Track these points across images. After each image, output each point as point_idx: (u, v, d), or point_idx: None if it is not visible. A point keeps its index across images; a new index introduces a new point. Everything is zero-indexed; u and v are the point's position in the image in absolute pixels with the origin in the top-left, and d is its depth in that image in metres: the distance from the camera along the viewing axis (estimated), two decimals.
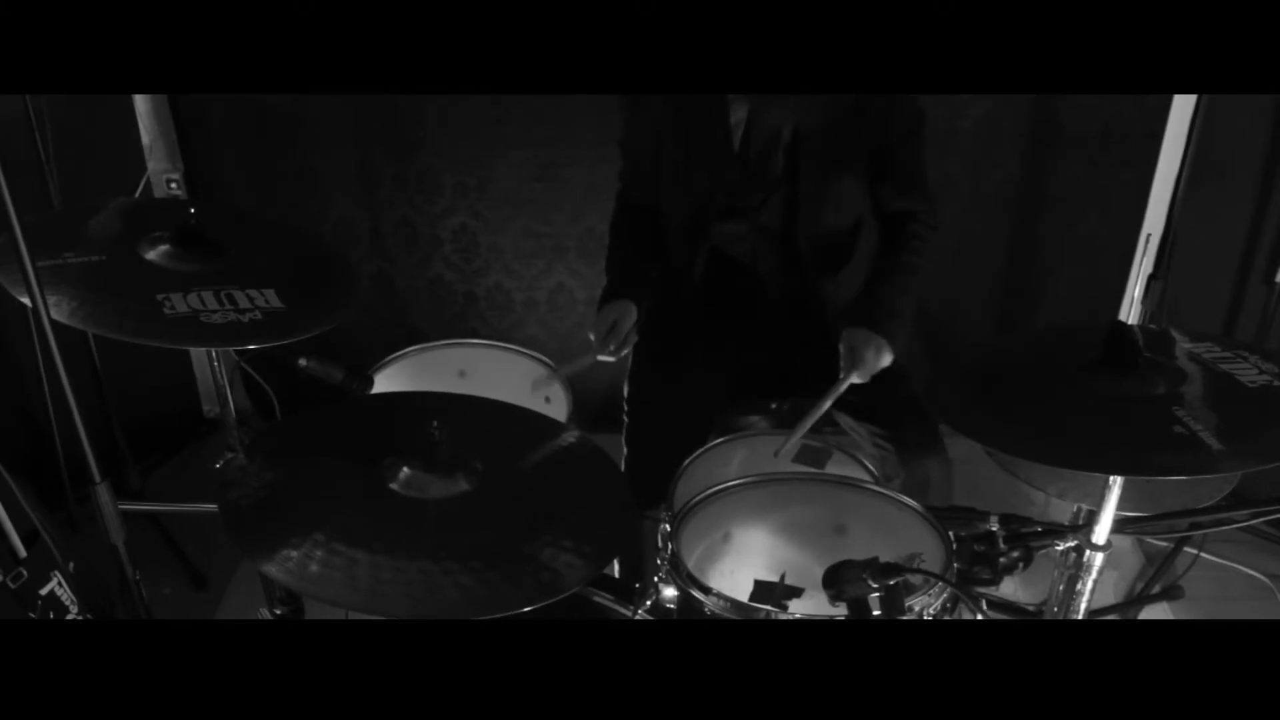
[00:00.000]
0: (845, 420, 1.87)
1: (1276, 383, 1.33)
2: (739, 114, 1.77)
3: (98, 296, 1.38)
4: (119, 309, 1.38)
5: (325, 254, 1.74)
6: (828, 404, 1.69)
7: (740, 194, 1.82)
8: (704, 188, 1.83)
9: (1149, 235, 2.56)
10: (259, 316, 1.42)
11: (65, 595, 1.57)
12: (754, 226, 1.84)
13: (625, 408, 2.04)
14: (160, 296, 1.40)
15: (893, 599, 1.20)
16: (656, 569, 1.44)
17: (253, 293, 1.45)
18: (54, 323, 1.27)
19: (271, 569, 1.15)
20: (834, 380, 1.70)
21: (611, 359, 1.86)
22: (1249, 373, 1.35)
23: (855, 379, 1.71)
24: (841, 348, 1.74)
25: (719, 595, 1.34)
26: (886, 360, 1.74)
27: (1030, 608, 1.92)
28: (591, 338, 1.85)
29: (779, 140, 1.76)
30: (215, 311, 1.40)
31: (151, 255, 1.48)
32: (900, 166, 1.82)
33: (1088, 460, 1.29)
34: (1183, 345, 1.45)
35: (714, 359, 1.94)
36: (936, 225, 1.86)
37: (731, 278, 1.90)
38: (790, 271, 1.88)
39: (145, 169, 2.65)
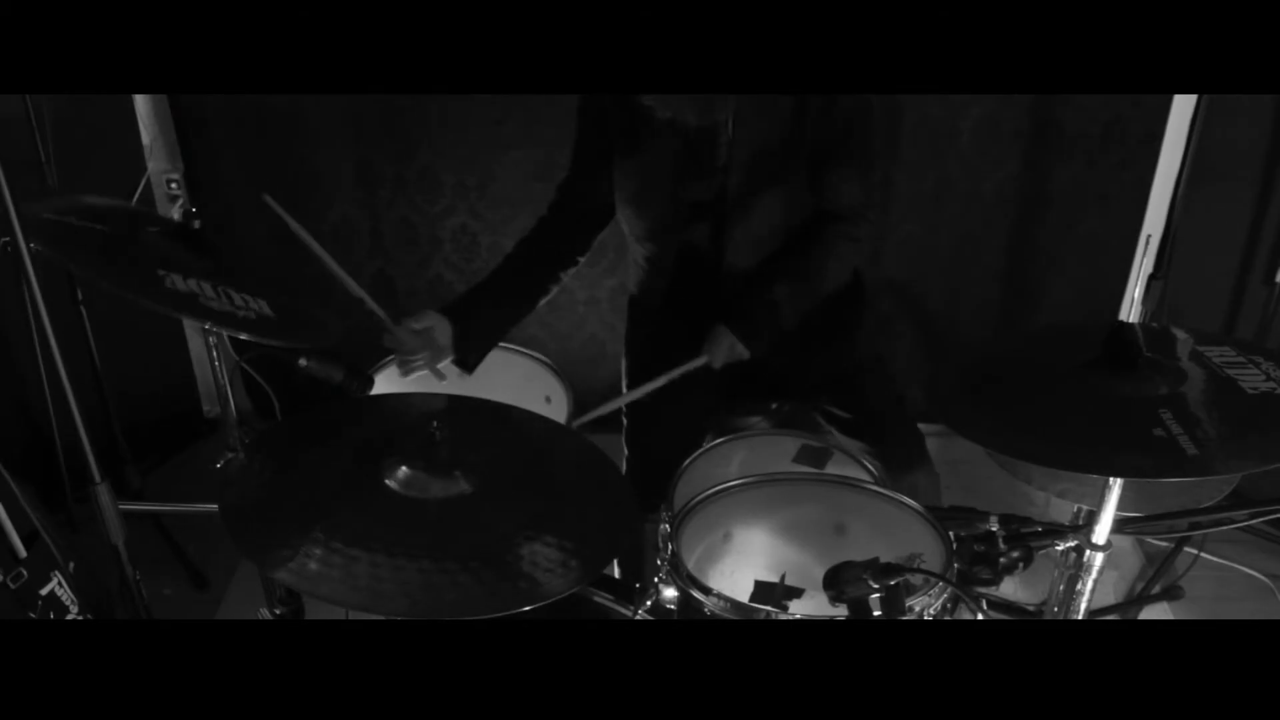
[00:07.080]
0: (835, 437, 1.88)
1: (1278, 390, 1.31)
2: (700, 116, 1.73)
3: (100, 259, 1.38)
4: (121, 272, 1.38)
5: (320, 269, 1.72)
6: (662, 381, 1.73)
7: (701, 195, 1.80)
8: (667, 189, 1.80)
9: (1149, 235, 2.56)
10: (252, 317, 1.42)
11: (65, 595, 1.57)
12: (718, 227, 1.82)
13: (623, 410, 2.04)
14: (161, 272, 1.40)
15: (893, 599, 1.19)
16: (656, 569, 1.44)
17: (247, 297, 1.46)
18: (54, 322, 1.27)
19: (271, 568, 1.15)
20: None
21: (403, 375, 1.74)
22: (1255, 379, 1.34)
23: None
24: (707, 339, 1.74)
25: (719, 596, 1.34)
26: (742, 354, 1.75)
27: (1030, 608, 1.91)
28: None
29: (729, 139, 1.72)
30: (213, 299, 1.41)
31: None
32: (841, 161, 1.75)
33: (1063, 459, 1.30)
34: (1192, 347, 1.43)
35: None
36: (862, 236, 1.79)
37: (713, 279, 1.88)
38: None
39: (145, 169, 2.65)
